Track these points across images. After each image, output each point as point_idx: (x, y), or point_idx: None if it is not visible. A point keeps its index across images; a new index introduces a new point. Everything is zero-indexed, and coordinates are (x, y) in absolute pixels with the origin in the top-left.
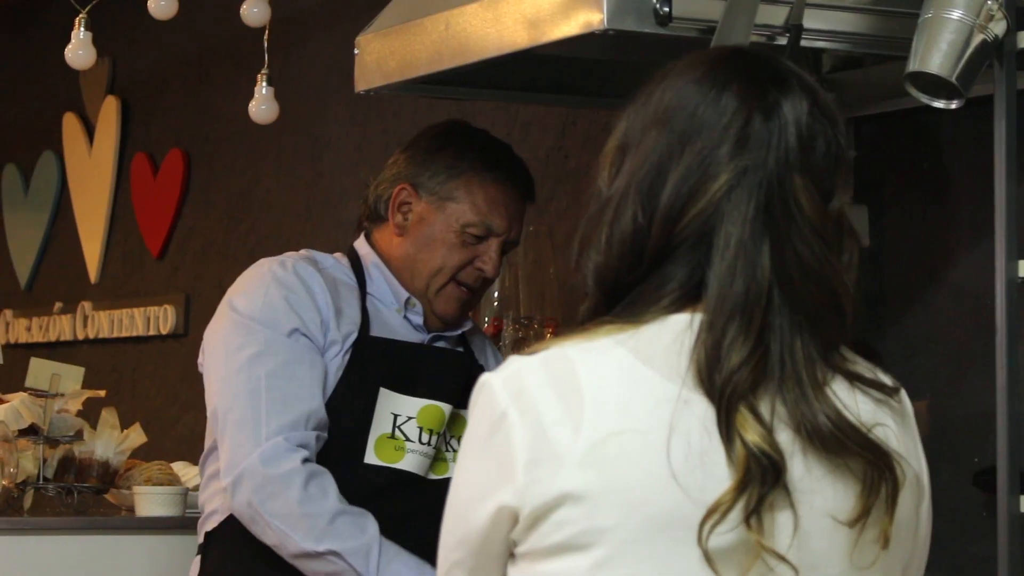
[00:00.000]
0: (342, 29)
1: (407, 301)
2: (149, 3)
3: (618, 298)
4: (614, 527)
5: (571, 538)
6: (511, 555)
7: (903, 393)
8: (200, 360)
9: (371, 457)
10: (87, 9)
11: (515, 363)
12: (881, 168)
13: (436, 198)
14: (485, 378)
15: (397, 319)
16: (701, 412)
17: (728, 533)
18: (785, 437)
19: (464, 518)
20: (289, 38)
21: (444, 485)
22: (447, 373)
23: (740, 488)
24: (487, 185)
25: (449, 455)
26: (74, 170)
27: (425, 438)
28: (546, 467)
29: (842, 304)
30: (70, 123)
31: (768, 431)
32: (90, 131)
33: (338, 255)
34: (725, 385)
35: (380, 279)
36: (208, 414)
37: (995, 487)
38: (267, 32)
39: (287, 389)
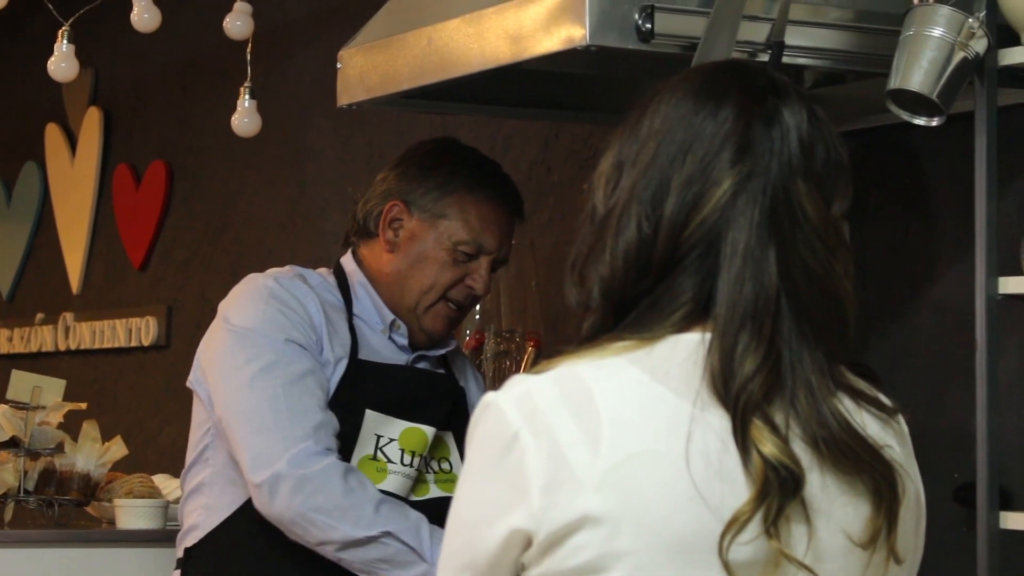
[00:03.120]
0: (325, 42)
1: (392, 323)
2: (132, 16)
3: (624, 311)
4: (633, 550)
5: (588, 562)
6: None
7: (900, 416)
8: (192, 378)
9: None
10: (70, 21)
11: (524, 382)
12: (862, 184)
13: (428, 215)
14: (491, 397)
15: (382, 340)
16: (717, 423)
17: (747, 545)
18: (801, 451)
19: (471, 541)
20: (272, 51)
21: (424, 506)
22: (433, 396)
23: (759, 499)
24: (479, 203)
25: (430, 477)
26: (56, 181)
27: (407, 460)
28: (564, 490)
29: (846, 314)
30: (52, 134)
31: (784, 442)
32: (72, 142)
33: (323, 271)
34: (740, 393)
35: (366, 299)
36: (225, 424)
37: (975, 502)
38: (250, 45)
39: (303, 399)
